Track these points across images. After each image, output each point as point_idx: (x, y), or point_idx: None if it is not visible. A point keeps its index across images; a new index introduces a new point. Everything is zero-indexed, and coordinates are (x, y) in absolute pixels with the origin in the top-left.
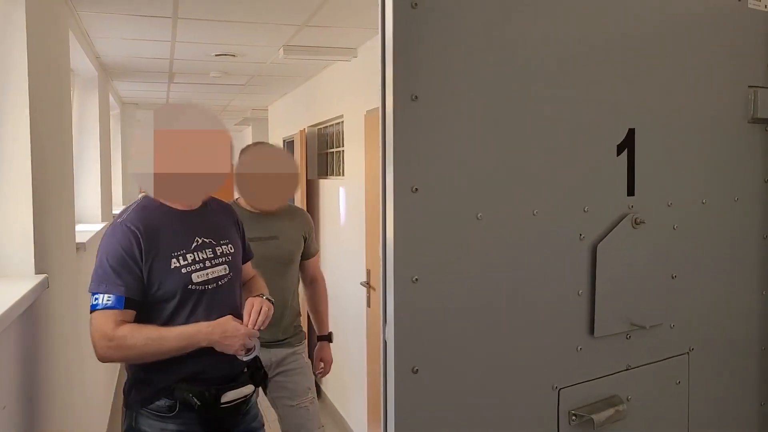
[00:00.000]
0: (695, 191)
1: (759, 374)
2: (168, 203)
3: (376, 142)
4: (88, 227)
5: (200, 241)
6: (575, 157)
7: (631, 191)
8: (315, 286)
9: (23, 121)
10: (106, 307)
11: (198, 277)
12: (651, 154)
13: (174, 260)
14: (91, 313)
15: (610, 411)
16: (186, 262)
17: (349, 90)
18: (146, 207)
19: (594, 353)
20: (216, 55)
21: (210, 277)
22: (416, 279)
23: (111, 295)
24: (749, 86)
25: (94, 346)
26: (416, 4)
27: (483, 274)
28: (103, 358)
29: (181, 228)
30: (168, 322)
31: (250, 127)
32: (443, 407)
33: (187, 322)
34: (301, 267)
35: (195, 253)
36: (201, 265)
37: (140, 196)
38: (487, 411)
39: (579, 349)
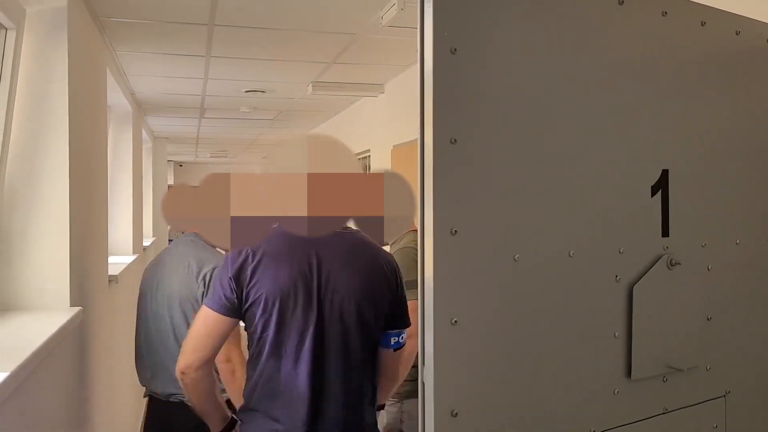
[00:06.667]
0: (729, 231)
1: None
2: None
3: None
4: (120, 259)
5: None
6: (610, 199)
7: (665, 232)
8: None
9: (63, 157)
10: None
11: None
12: (685, 195)
13: None
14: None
15: None
16: None
17: (376, 125)
18: None
19: (631, 396)
20: (246, 92)
21: None
22: (455, 321)
23: None
24: None
25: None
26: (455, 50)
27: (521, 316)
28: None
29: None
30: None
31: None
32: None
33: None
34: None
35: None
36: None
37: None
38: None
39: (616, 392)
